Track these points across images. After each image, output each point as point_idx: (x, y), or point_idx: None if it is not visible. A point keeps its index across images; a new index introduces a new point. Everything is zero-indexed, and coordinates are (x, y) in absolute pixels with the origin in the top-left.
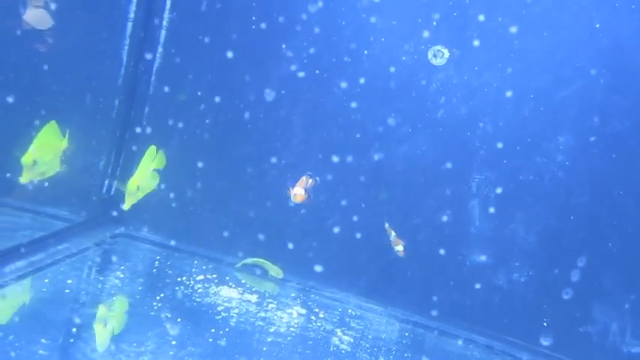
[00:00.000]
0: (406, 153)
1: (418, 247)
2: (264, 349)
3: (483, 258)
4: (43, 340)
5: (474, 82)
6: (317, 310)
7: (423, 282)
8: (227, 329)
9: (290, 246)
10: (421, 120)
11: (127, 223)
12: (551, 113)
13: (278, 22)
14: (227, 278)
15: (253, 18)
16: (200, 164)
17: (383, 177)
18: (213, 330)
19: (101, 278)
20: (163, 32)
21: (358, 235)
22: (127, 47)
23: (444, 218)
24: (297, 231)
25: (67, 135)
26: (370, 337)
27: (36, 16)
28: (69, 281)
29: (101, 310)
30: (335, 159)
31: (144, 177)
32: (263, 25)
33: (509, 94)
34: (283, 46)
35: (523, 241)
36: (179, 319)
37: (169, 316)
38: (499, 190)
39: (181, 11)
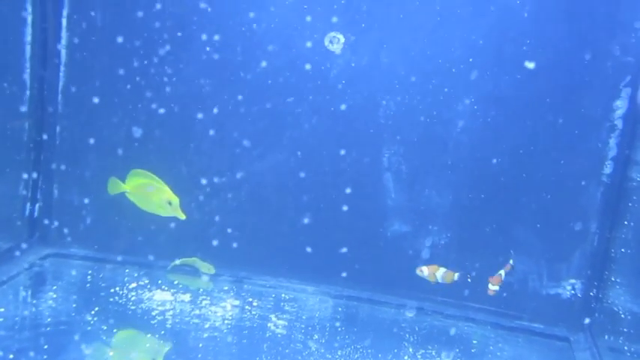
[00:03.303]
0: (320, 138)
1: (342, 224)
2: (200, 345)
3: (403, 227)
4: None
5: (371, 63)
6: (250, 299)
7: (350, 257)
8: (163, 332)
9: (215, 243)
10: (327, 106)
11: (55, 243)
12: (447, 84)
13: (134, 67)
14: (159, 282)
15: (114, 65)
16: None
17: (300, 161)
18: (149, 335)
19: (34, 302)
20: (64, 52)
21: (284, 222)
22: (28, 70)
23: (362, 194)
24: (217, 227)
25: None
26: (304, 317)
27: None
28: (1, 309)
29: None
30: (215, 179)
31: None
32: (121, 72)
33: (404, 70)
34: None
35: (437, 206)
36: (115, 330)
37: (105, 328)
38: (409, 162)
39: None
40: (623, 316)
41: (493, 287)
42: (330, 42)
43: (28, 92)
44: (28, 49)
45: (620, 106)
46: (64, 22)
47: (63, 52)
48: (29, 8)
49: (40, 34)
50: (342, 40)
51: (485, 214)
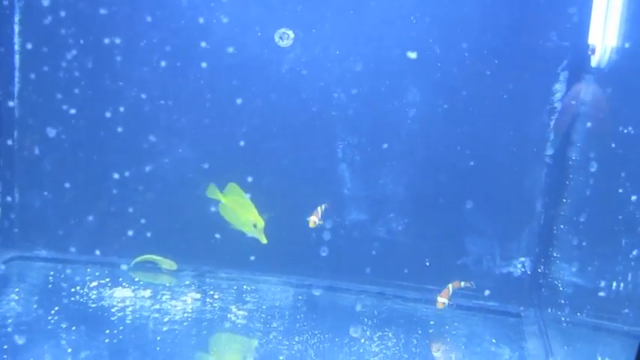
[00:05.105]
0: (274, 133)
1: (302, 215)
2: (158, 338)
3: (361, 215)
4: None
5: (321, 57)
6: (212, 292)
7: (310, 246)
8: (122, 327)
9: (179, 238)
10: (281, 99)
11: (18, 246)
12: (396, 75)
13: (44, 72)
14: (120, 280)
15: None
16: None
17: (256, 156)
18: (107, 331)
19: None
20: (17, 57)
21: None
22: None
23: (319, 185)
24: (171, 224)
25: None
26: (265, 307)
27: None
28: None
29: None
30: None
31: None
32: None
33: (355, 62)
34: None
35: (393, 193)
36: (74, 328)
37: (64, 326)
38: (363, 152)
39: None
40: (562, 289)
41: (442, 300)
42: (280, 38)
43: None
44: None
45: (559, 89)
46: (16, 27)
47: (17, 58)
48: None
49: None
50: (292, 35)
51: (438, 199)
